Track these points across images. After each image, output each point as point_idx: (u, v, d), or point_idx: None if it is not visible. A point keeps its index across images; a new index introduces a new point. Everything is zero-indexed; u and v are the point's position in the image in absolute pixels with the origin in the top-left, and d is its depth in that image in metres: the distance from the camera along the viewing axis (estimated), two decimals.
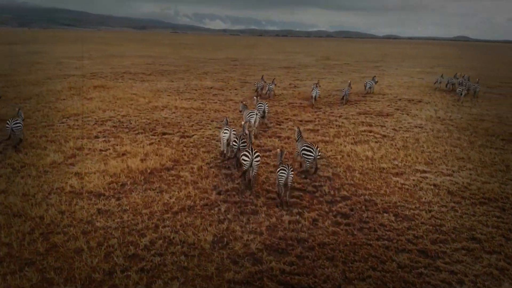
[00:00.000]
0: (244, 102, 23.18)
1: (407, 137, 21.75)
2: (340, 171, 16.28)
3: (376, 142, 20.73)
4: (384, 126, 24.30)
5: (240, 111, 23.06)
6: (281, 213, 12.39)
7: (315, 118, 26.00)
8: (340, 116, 26.86)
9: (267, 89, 33.56)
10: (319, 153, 15.56)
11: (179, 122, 23.72)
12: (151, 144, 19.21)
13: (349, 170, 16.50)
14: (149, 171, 15.52)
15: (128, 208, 12.44)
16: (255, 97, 26.33)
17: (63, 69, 48.21)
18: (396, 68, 63.82)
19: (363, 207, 13.05)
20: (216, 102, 30.72)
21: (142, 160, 16.59)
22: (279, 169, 12.88)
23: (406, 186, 14.96)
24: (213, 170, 15.97)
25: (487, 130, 23.96)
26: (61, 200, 12.83)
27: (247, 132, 16.67)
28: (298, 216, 12.16)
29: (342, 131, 22.72)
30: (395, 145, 20.16)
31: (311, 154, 14.99)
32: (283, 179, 12.60)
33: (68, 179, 14.52)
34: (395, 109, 29.95)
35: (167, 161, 16.63)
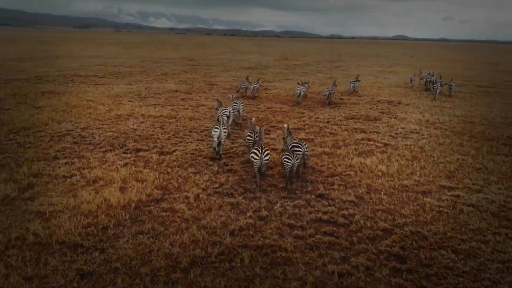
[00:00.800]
0: (218, 99, 23.47)
1: (410, 145, 19.85)
2: (362, 193, 13.86)
3: (381, 152, 18.61)
4: (379, 133, 22.34)
5: (216, 109, 22.12)
6: (322, 260, 9.69)
7: (304, 125, 23.57)
8: (328, 122, 24.62)
9: (252, 89, 32.74)
10: (307, 150, 15.99)
11: (153, 135, 20.31)
12: (126, 165, 15.78)
13: (371, 190, 14.14)
14: (133, 205, 12.21)
15: (119, 265, 9.19)
16: (231, 96, 24.99)
17: (3, 72, 42.24)
18: (358, 68, 63.19)
19: (414, 243, 10.66)
20: (187, 108, 27.42)
21: (121, 190, 13.21)
22: (284, 156, 13.96)
23: (444, 209, 12.80)
24: (214, 199, 12.95)
25: (484, 134, 22.69)
26: (24, 257, 9.33)
27: (257, 128, 16.41)
28: (346, 265, 9.51)
29: (339, 140, 20.44)
30: (404, 156, 18.13)
31: (299, 150, 15.04)
32: (289, 166, 13.69)
33: (28, 222, 10.93)
34: (379, 112, 28.23)
35: (153, 190, 13.38)
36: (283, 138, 15.55)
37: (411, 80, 41.27)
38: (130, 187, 13.47)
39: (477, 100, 34.55)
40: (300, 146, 15.14)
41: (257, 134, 16.07)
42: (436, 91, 34.67)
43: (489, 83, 47.76)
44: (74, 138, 19.21)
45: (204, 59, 73.92)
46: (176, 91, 34.62)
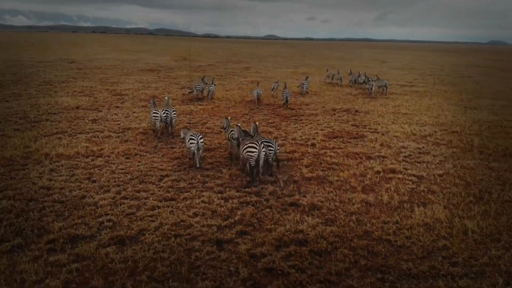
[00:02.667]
0: (153, 99, 21.40)
1: (444, 176, 15.17)
2: None
3: (431, 193, 13.50)
4: (386, 157, 17.36)
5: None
6: None
7: (291, 152, 17.41)
8: (313, 145, 18.88)
9: (208, 91, 30.25)
10: (278, 147, 15.10)
11: (84, 198, 12.09)
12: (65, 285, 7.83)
13: None
14: None
15: None
16: (166, 97, 21.32)
17: None
18: (268, 70, 58.74)
19: None
20: (110, 137, 19.07)
21: None
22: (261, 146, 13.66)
23: None
24: None
25: (489, 148, 19.31)
26: None
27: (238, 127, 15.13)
28: None
29: (358, 176, 14.83)
30: (461, 195, 13.27)
31: (271, 148, 14.22)
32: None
33: None
34: (352, 125, 23.47)
35: None
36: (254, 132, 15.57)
37: (332, 77, 42.59)
38: None
39: (423, 103, 32.16)
40: (271, 144, 14.37)
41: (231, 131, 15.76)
42: (369, 90, 34.61)
43: (405, 81, 47.24)
44: None
45: (87, 60, 62.21)
46: (78, 108, 25.36)
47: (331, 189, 13.39)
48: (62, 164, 14.84)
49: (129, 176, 13.96)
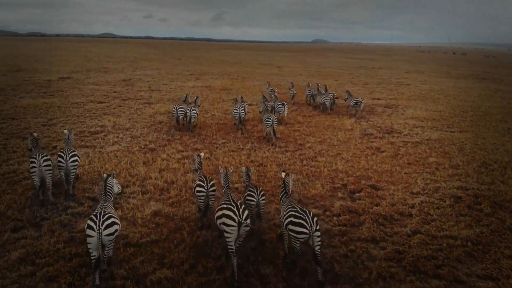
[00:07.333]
0: (33, 134, 13.41)
1: None
2: None
3: None
4: None
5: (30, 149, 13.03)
6: None
7: None
8: None
9: (189, 116, 20.52)
10: (263, 198, 10.26)
11: None
12: None
13: None
14: None
15: None
16: (66, 131, 13.97)
17: None
18: (165, 84, 39.86)
19: None
20: None
21: None
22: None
23: None
24: None
25: None
26: None
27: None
28: None
29: None
30: None
31: (253, 199, 10.05)
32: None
33: None
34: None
35: None
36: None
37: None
38: None
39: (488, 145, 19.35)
40: (253, 192, 10.30)
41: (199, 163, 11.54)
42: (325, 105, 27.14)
43: (372, 97, 34.79)
44: None
45: None
46: None
47: None
48: None
49: None
